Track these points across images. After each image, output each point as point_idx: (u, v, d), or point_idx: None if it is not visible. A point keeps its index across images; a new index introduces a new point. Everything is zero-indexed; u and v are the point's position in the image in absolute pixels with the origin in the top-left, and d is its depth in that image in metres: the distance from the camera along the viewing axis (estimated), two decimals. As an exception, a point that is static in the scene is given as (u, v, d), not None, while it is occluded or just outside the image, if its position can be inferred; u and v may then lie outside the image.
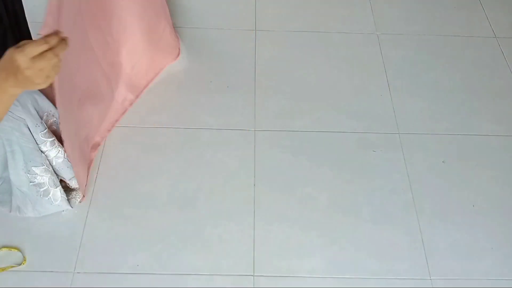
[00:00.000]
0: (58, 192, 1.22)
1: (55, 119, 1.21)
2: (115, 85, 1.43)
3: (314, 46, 1.70)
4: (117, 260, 1.19)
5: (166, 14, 1.54)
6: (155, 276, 1.17)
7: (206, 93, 1.54)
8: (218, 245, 1.22)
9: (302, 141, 1.44)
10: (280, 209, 1.29)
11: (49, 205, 1.21)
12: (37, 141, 1.14)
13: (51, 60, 0.73)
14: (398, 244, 1.24)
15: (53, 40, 0.73)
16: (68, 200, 1.24)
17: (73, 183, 1.25)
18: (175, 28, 1.69)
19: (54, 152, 1.19)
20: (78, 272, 1.17)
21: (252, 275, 1.18)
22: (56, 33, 0.75)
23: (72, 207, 1.25)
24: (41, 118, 1.15)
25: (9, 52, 0.72)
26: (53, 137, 1.18)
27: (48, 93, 1.20)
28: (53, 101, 1.20)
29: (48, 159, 1.19)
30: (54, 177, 1.21)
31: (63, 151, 1.20)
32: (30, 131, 1.12)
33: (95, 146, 1.38)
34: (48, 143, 1.16)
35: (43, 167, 1.17)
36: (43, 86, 0.75)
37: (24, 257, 1.18)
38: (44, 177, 1.18)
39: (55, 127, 1.21)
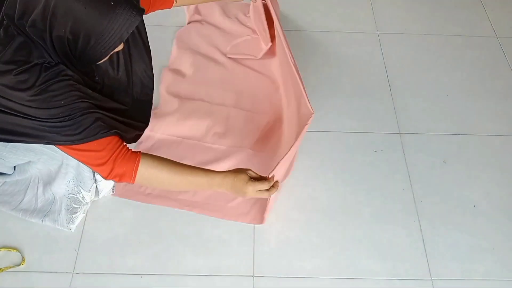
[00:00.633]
0: (79, 218, 1.23)
1: None
2: None
3: (314, 46, 1.69)
4: (116, 261, 1.18)
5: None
6: (155, 276, 1.16)
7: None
8: (218, 245, 1.22)
9: (302, 141, 1.43)
10: (281, 209, 1.29)
11: (60, 220, 1.21)
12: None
13: (264, 195, 1.05)
14: (399, 245, 1.24)
15: (275, 186, 1.06)
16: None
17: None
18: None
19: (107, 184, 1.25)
20: (77, 273, 1.16)
21: (252, 276, 1.17)
22: (276, 181, 1.06)
23: (72, 230, 1.23)
24: None
25: (244, 180, 1.02)
26: None
27: None
28: None
29: (98, 188, 1.24)
30: (87, 206, 1.24)
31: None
32: None
33: None
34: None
35: (88, 193, 1.22)
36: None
37: (23, 257, 1.17)
38: (85, 199, 1.22)
39: None
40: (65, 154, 0.96)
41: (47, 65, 0.86)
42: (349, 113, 1.50)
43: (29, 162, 1.18)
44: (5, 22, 0.86)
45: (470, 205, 1.32)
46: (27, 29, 0.82)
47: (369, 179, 1.36)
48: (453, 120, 1.51)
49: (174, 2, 1.25)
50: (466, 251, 1.24)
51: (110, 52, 0.86)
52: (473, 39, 1.75)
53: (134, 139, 1.09)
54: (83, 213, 1.24)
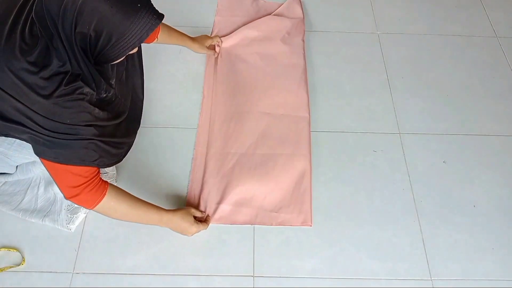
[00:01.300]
0: (80, 219, 1.23)
1: None
2: None
3: (314, 46, 1.69)
4: (116, 261, 1.18)
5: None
6: (155, 276, 1.16)
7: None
8: (218, 245, 1.22)
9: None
10: (280, 209, 1.29)
11: (60, 220, 1.21)
12: None
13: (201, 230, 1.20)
14: (399, 245, 1.24)
15: (208, 223, 1.22)
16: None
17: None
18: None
19: None
20: (77, 273, 1.16)
21: (252, 276, 1.17)
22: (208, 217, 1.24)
23: (72, 230, 1.23)
24: None
25: (189, 222, 1.16)
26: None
27: None
28: None
29: None
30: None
31: None
32: None
33: None
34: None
35: None
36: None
37: (23, 257, 1.18)
38: None
39: None
40: None
41: (69, 78, 0.88)
42: (349, 113, 1.50)
43: (33, 162, 1.19)
44: (29, 21, 0.87)
45: (470, 205, 1.32)
46: (50, 27, 0.84)
47: (369, 179, 1.36)
48: (453, 120, 1.50)
49: (156, 39, 1.30)
50: (466, 251, 1.24)
51: (127, 53, 0.89)
52: (473, 39, 1.75)
53: (124, 155, 1.15)
54: (84, 213, 1.24)
